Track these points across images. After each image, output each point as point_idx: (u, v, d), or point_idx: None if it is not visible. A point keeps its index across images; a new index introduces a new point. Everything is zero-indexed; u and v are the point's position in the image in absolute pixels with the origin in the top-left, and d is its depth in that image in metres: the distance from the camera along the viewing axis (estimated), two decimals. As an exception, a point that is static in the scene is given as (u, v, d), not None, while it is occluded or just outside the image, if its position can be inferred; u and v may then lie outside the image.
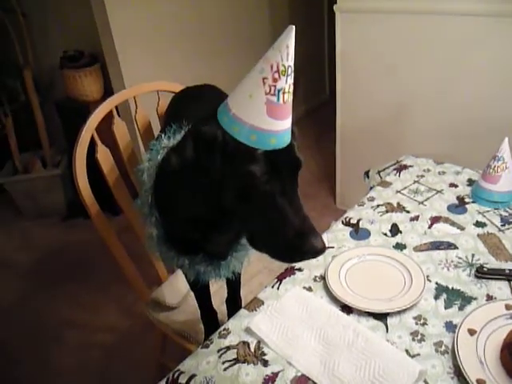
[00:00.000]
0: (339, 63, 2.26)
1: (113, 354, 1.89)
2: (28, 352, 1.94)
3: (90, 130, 1.25)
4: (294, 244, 0.74)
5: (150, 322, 1.44)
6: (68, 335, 2.01)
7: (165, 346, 1.56)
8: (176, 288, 1.43)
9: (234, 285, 1.26)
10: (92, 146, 1.24)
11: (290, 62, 0.70)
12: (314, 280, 1.00)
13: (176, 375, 0.81)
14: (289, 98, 0.72)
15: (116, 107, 1.33)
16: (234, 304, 1.28)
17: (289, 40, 0.69)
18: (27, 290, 2.31)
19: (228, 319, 1.27)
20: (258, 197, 0.75)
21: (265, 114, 0.71)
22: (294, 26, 0.68)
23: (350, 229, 1.16)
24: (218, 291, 1.36)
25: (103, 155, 1.28)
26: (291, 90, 0.72)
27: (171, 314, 1.37)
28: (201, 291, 1.24)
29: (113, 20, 2.19)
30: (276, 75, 0.69)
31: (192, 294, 1.39)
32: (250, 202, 0.76)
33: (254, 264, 1.40)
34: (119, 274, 1.42)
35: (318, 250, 0.75)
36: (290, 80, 0.71)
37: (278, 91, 0.70)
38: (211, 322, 1.26)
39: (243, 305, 1.29)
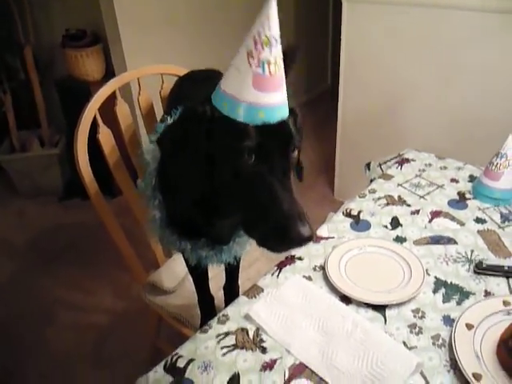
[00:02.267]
0: (344, 54, 2.25)
1: (107, 335, 1.90)
2: (21, 331, 1.95)
3: (92, 109, 1.23)
4: (281, 229, 0.71)
5: (145, 305, 1.44)
6: (62, 315, 2.01)
7: (159, 330, 1.57)
8: (173, 272, 1.43)
9: (232, 271, 1.27)
10: (92, 128, 1.23)
11: (273, 32, 0.68)
12: (314, 269, 1.00)
13: (174, 359, 0.82)
14: (277, 70, 0.70)
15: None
16: (231, 291, 1.29)
17: (269, 10, 0.67)
18: (21, 268, 2.31)
19: (225, 306, 1.28)
20: (246, 174, 0.74)
21: (250, 87, 0.69)
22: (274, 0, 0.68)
23: (350, 220, 1.16)
24: (216, 277, 1.37)
25: (105, 136, 1.27)
26: (279, 62, 0.71)
27: (167, 297, 1.38)
28: (200, 276, 1.24)
29: (117, 4, 2.17)
30: (259, 46, 0.68)
31: (189, 278, 1.39)
32: (240, 180, 0.75)
33: (252, 251, 1.39)
34: (115, 257, 1.42)
35: (305, 238, 0.71)
36: (276, 51, 0.69)
37: (263, 62, 0.69)
38: (208, 308, 1.27)
39: (241, 292, 1.30)
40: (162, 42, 2.45)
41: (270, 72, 0.69)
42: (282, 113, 0.74)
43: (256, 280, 1.39)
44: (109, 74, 2.54)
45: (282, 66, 0.72)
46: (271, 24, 0.68)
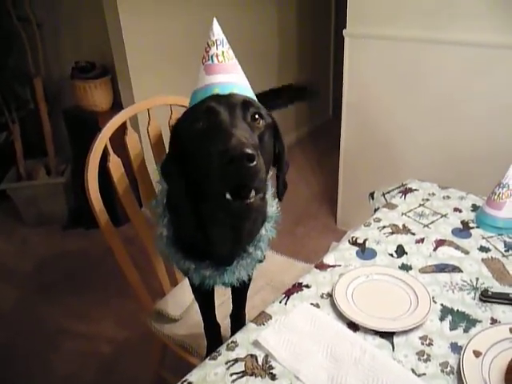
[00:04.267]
0: (346, 86, 2.31)
1: (110, 364, 1.88)
2: (24, 359, 1.93)
3: (104, 138, 1.27)
4: (224, 153, 0.73)
5: (149, 333, 1.44)
6: (65, 343, 2.00)
7: (164, 359, 1.56)
8: (179, 300, 1.44)
9: (239, 299, 1.27)
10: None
11: (216, 36, 0.91)
12: (321, 297, 1.01)
13: (184, 385, 0.82)
14: (225, 59, 0.89)
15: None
16: (237, 319, 1.29)
17: (213, 26, 0.92)
18: (24, 296, 2.31)
19: (231, 334, 1.29)
20: (200, 137, 0.83)
21: (204, 75, 0.89)
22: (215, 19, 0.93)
23: (356, 248, 1.17)
24: (222, 305, 1.37)
25: (115, 165, 1.30)
26: (226, 55, 0.90)
27: (174, 326, 1.38)
28: (205, 302, 1.25)
29: (126, 33, 2.24)
30: (208, 48, 0.91)
31: (195, 306, 1.40)
32: (200, 146, 0.81)
33: (256, 280, 1.41)
34: (117, 286, 1.44)
35: (245, 153, 0.71)
36: (222, 47, 0.90)
37: (211, 56, 0.89)
38: (214, 336, 1.27)
39: (247, 321, 1.30)
40: (169, 75, 2.52)
41: (218, 61, 0.89)
42: (235, 89, 0.87)
43: (261, 309, 1.41)
44: (116, 104, 2.60)
45: (232, 57, 0.91)
46: (214, 32, 0.91)
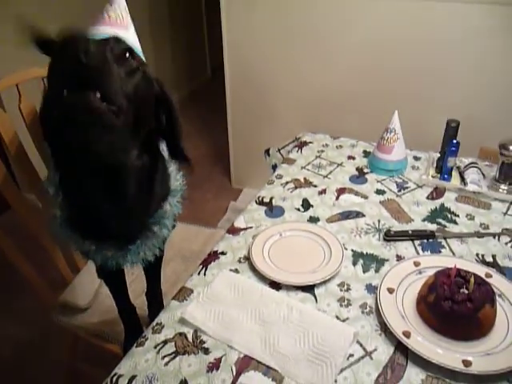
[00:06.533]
0: (226, 42, 2.27)
1: (17, 367, 1.73)
2: None
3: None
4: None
5: (54, 328, 1.33)
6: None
7: (76, 351, 1.47)
8: (85, 287, 1.35)
9: (152, 276, 1.23)
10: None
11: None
12: (239, 261, 1.01)
13: (114, 380, 0.77)
14: (115, 16, 0.89)
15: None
16: (154, 297, 1.25)
17: None
18: None
19: (149, 313, 1.25)
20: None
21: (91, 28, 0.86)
22: None
23: (264, 208, 1.18)
24: (132, 284, 1.31)
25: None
26: (119, 14, 0.90)
27: (84, 315, 1.29)
28: (115, 283, 1.18)
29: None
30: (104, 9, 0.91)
31: (104, 290, 1.32)
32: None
33: (165, 252, 1.37)
34: (6, 282, 1.29)
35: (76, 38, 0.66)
36: (118, 8, 0.90)
37: (104, 13, 0.90)
38: (130, 318, 1.21)
39: (163, 295, 1.27)
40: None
41: (108, 16, 0.89)
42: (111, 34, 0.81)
43: (174, 280, 1.37)
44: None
45: (125, 17, 0.91)
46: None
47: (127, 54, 0.77)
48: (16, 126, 1.22)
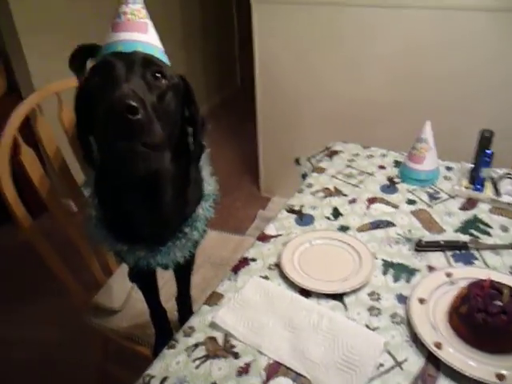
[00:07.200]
0: (257, 53, 2.29)
1: (46, 368, 1.77)
2: None
3: (11, 130, 1.14)
4: (106, 105, 0.69)
5: (84, 330, 1.37)
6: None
7: (107, 353, 1.50)
8: (117, 290, 1.38)
9: (182, 282, 1.25)
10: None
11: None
12: (269, 268, 1.02)
13: (147, 380, 0.79)
14: (134, 18, 0.84)
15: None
16: (184, 303, 1.27)
17: None
18: None
19: (179, 317, 1.27)
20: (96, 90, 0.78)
21: (111, 32, 0.84)
22: None
23: (294, 216, 1.19)
24: (163, 289, 1.33)
25: (27, 156, 1.19)
26: (137, 13, 0.85)
27: (115, 317, 1.32)
28: (147, 286, 1.21)
29: (15, 9, 2.02)
30: (118, 7, 0.86)
31: (135, 294, 1.35)
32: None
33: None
34: (41, 284, 1.33)
35: (123, 95, 0.68)
36: (133, 7, 0.85)
37: (120, 14, 0.85)
38: (162, 321, 1.24)
39: (192, 301, 1.29)
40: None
41: (126, 19, 0.84)
42: (141, 47, 0.82)
43: (203, 287, 1.39)
44: (12, 89, 2.37)
45: (144, 16, 0.86)
46: None
47: (158, 75, 0.80)
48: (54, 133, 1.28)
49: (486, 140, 1.20)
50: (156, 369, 0.81)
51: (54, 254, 1.25)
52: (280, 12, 2.14)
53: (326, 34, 2.12)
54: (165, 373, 0.80)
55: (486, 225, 1.12)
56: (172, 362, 0.82)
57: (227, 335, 0.86)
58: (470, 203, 1.20)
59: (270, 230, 1.15)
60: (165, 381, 0.79)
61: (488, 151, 1.19)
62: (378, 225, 1.14)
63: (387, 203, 1.21)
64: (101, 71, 0.78)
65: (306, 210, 1.21)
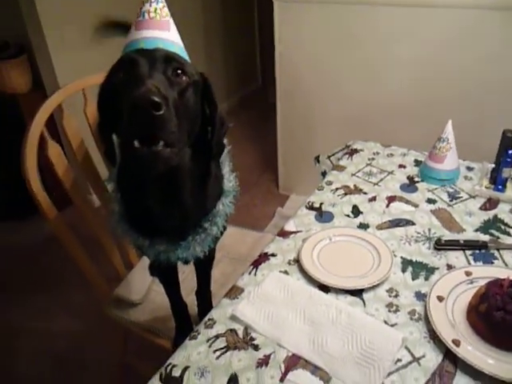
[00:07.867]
0: (278, 52, 2.31)
1: (69, 360, 1.82)
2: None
3: (39, 125, 1.18)
4: (129, 100, 0.71)
5: (106, 322, 1.40)
6: (19, 344, 1.90)
7: (127, 345, 1.53)
8: (138, 283, 1.41)
9: (203, 277, 1.27)
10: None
11: None
12: (289, 264, 1.04)
13: (169, 369, 0.81)
14: (156, 16, 0.87)
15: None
16: (203, 297, 1.29)
17: None
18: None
19: (198, 311, 1.30)
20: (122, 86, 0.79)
21: (134, 31, 0.87)
22: None
23: (314, 212, 1.20)
24: (183, 283, 1.36)
25: (54, 151, 1.22)
26: (159, 12, 0.87)
27: (136, 310, 1.35)
28: (168, 280, 1.23)
29: (41, 5, 2.06)
30: (141, 5, 0.88)
31: (156, 288, 1.38)
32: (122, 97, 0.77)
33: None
34: (62, 277, 1.36)
35: (147, 92, 0.70)
36: (156, 4, 0.87)
37: (143, 13, 0.87)
38: (182, 314, 1.26)
39: (214, 296, 1.31)
40: (95, 51, 2.37)
41: (149, 17, 0.86)
42: (162, 45, 0.84)
43: (222, 281, 1.41)
44: (37, 85, 2.42)
45: (166, 15, 0.88)
46: None
47: (179, 71, 0.82)
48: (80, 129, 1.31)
49: (508, 140, 1.20)
50: (178, 358, 0.84)
51: (77, 245, 1.29)
52: (301, 11, 2.14)
53: (347, 34, 2.12)
54: (186, 362, 0.83)
55: (507, 225, 1.12)
56: (193, 352, 0.84)
57: (247, 328, 0.88)
58: (490, 203, 1.20)
59: (290, 226, 1.16)
60: (186, 370, 0.81)
61: (510, 151, 1.18)
62: (397, 223, 1.14)
63: (407, 202, 1.22)
64: (124, 68, 0.81)
65: (325, 208, 1.22)
